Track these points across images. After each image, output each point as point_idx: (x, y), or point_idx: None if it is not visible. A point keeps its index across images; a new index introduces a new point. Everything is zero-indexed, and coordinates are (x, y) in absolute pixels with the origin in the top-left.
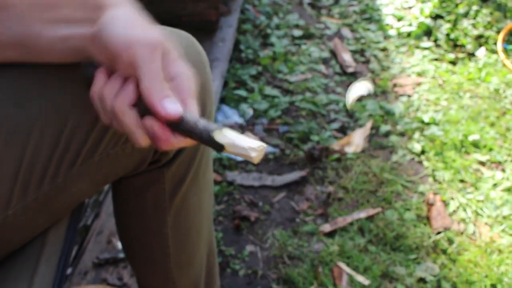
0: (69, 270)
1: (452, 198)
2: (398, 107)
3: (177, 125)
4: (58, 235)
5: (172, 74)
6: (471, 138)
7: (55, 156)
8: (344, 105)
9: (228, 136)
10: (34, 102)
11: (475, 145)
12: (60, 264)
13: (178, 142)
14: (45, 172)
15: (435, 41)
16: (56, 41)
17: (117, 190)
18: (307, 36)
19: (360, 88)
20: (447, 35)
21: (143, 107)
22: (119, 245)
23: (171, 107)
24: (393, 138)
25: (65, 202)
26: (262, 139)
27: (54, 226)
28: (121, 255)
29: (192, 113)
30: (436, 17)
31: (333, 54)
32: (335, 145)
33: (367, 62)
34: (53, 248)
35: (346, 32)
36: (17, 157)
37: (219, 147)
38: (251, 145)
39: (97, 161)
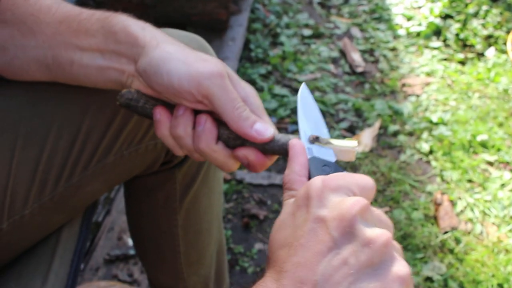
0: (80, 266)
1: (460, 198)
2: (406, 107)
3: (269, 146)
4: (72, 233)
5: (243, 97)
6: (479, 138)
7: (71, 157)
8: (353, 105)
9: (325, 141)
10: (50, 106)
11: (483, 145)
12: (74, 261)
13: (270, 161)
14: (61, 173)
15: (445, 41)
16: (92, 70)
17: (129, 189)
18: (317, 35)
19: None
20: (457, 35)
21: (227, 137)
22: (129, 242)
23: (263, 130)
24: (401, 138)
25: (79, 200)
26: None
27: (68, 223)
28: (132, 252)
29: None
30: (446, 16)
31: (343, 53)
32: None
33: (376, 61)
34: (67, 245)
35: (355, 31)
36: (34, 159)
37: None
38: (349, 144)
39: (111, 161)
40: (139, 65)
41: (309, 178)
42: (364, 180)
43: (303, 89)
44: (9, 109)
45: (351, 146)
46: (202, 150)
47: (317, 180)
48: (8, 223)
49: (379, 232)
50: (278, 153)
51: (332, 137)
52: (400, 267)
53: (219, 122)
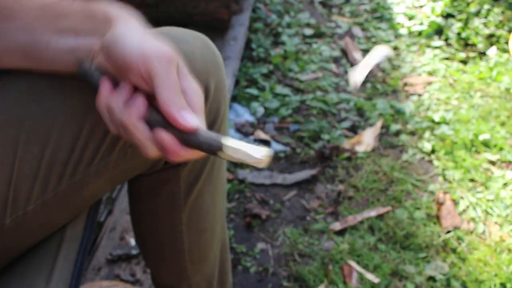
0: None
1: (462, 197)
2: (408, 106)
3: (189, 137)
4: (76, 232)
5: (184, 89)
6: (481, 137)
7: (74, 154)
8: (355, 104)
9: (234, 146)
10: (54, 101)
11: (486, 144)
12: (78, 260)
13: (186, 154)
14: (64, 170)
15: (446, 40)
16: (64, 52)
17: (133, 187)
18: (318, 34)
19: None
20: (458, 34)
21: (153, 120)
22: (132, 241)
23: (190, 118)
24: (403, 137)
25: (83, 199)
26: (273, 138)
27: (71, 222)
28: (134, 252)
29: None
30: (448, 16)
31: (344, 53)
32: (346, 144)
33: None
34: (71, 244)
35: (357, 31)
36: (37, 155)
37: (227, 157)
38: (257, 152)
39: (114, 159)
40: (105, 37)
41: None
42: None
43: None
44: (13, 104)
45: (256, 157)
46: (125, 123)
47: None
48: (11, 219)
49: None
50: (198, 147)
51: (334, 136)
52: None
53: (153, 107)
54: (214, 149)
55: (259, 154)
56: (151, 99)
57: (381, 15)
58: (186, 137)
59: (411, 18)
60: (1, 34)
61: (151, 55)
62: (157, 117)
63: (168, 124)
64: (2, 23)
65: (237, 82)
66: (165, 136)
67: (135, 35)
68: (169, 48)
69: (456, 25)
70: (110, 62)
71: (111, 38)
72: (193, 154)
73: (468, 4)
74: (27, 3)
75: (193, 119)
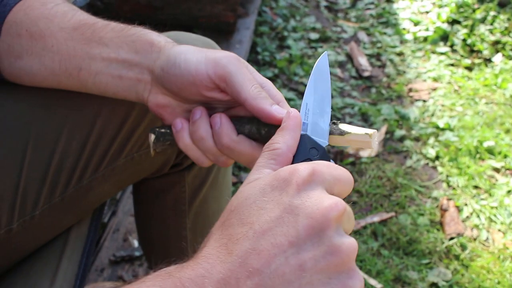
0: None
1: (466, 204)
2: (413, 112)
3: None
4: (80, 233)
5: (260, 83)
6: (486, 144)
7: (81, 159)
8: (360, 109)
9: (346, 129)
10: (63, 107)
11: (490, 151)
12: (82, 261)
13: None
14: (71, 175)
15: (452, 46)
16: (104, 78)
17: (138, 191)
18: (324, 39)
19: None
20: (464, 40)
21: (243, 126)
22: (135, 243)
23: (282, 111)
24: (408, 143)
25: (89, 202)
26: None
27: (76, 224)
28: (137, 253)
29: None
30: (453, 22)
31: (349, 57)
32: (350, 149)
33: (383, 66)
34: (75, 246)
35: (362, 35)
36: (45, 161)
37: (338, 142)
38: (367, 132)
39: (121, 164)
40: (157, 66)
41: (294, 156)
42: (345, 175)
43: (323, 58)
44: (21, 110)
45: (366, 135)
46: (225, 145)
47: (305, 169)
48: (18, 223)
49: (347, 242)
50: None
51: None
52: (356, 281)
53: (234, 118)
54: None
55: (369, 136)
56: (228, 112)
57: (387, 20)
58: None
59: (416, 23)
60: (28, 51)
61: (219, 60)
62: (247, 123)
63: (261, 124)
64: (30, 40)
65: None
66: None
67: (192, 51)
68: (227, 51)
69: (462, 31)
70: (172, 87)
71: (168, 62)
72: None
73: (474, 10)
74: (59, 23)
75: (283, 111)
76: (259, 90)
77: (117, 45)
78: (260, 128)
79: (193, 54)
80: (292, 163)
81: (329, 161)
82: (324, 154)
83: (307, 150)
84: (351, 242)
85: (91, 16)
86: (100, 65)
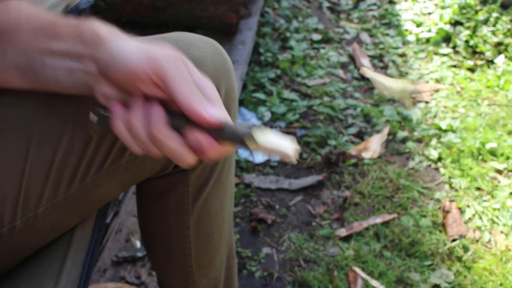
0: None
1: (468, 206)
2: (415, 113)
3: (219, 132)
4: (85, 234)
5: (196, 83)
6: (488, 146)
7: (85, 158)
8: (362, 110)
9: (266, 137)
10: (66, 105)
11: (492, 153)
12: (86, 262)
13: (224, 149)
14: (75, 173)
15: (454, 47)
16: (61, 72)
17: (141, 190)
18: (326, 40)
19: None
20: (466, 41)
21: (176, 124)
22: (137, 243)
23: (214, 112)
24: (410, 144)
25: (92, 201)
26: None
27: (80, 224)
28: (140, 254)
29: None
30: (456, 23)
31: (352, 58)
32: (352, 150)
33: (385, 67)
34: (80, 246)
35: (365, 37)
36: (49, 158)
37: (258, 148)
38: (289, 145)
39: (125, 163)
40: (101, 58)
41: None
42: None
43: None
44: (25, 107)
45: (286, 150)
46: (156, 137)
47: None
48: (21, 221)
49: None
50: (229, 141)
51: (341, 142)
52: None
53: (171, 111)
54: (243, 141)
55: (290, 147)
56: (164, 105)
57: (389, 21)
58: (215, 133)
59: (419, 25)
60: (4, 57)
61: (156, 57)
62: (178, 120)
63: (192, 124)
64: (1, 45)
65: (244, 87)
66: (199, 135)
67: (132, 45)
68: (171, 49)
69: (464, 33)
70: (114, 80)
71: (108, 55)
72: (228, 148)
73: (476, 12)
74: (24, 26)
75: (218, 112)
76: (195, 92)
77: (71, 38)
78: (188, 123)
79: (133, 49)
80: None
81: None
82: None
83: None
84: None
85: (53, 16)
86: (60, 60)
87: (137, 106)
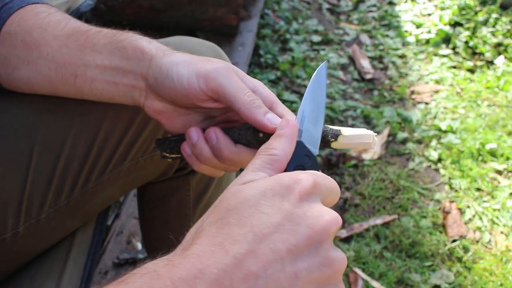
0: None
1: (468, 206)
2: (415, 114)
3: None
4: (86, 236)
5: (252, 88)
6: (488, 146)
7: (87, 163)
8: (362, 111)
9: (349, 134)
10: (69, 112)
11: (492, 153)
12: (87, 264)
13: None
14: (77, 179)
15: (454, 48)
16: (99, 84)
17: (143, 194)
18: (326, 41)
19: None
20: (466, 42)
21: (242, 137)
22: (138, 245)
23: (275, 119)
24: (410, 146)
25: (94, 205)
26: None
27: (81, 227)
28: (141, 256)
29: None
30: (455, 24)
31: (352, 60)
32: (353, 151)
33: (385, 68)
34: (81, 249)
35: (364, 38)
36: (51, 165)
37: (340, 146)
38: (366, 133)
39: (126, 167)
40: (150, 76)
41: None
42: (336, 188)
43: (322, 68)
44: (27, 115)
45: (366, 137)
46: (226, 157)
47: (308, 180)
48: (24, 226)
49: (340, 256)
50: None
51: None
52: None
53: (227, 129)
54: (328, 142)
55: (368, 135)
56: (221, 125)
57: (389, 22)
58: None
59: (419, 26)
60: (24, 60)
61: (209, 72)
62: (240, 131)
63: (255, 132)
64: (25, 49)
65: None
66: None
67: (181, 61)
68: (219, 61)
69: (464, 34)
70: (167, 97)
71: (161, 73)
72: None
73: (476, 13)
74: (53, 31)
75: (277, 119)
76: (252, 98)
77: (109, 51)
78: (256, 135)
79: (184, 67)
80: (286, 168)
81: (318, 169)
82: (315, 162)
83: (301, 157)
84: (344, 257)
85: (84, 24)
86: (94, 72)
87: (198, 138)
